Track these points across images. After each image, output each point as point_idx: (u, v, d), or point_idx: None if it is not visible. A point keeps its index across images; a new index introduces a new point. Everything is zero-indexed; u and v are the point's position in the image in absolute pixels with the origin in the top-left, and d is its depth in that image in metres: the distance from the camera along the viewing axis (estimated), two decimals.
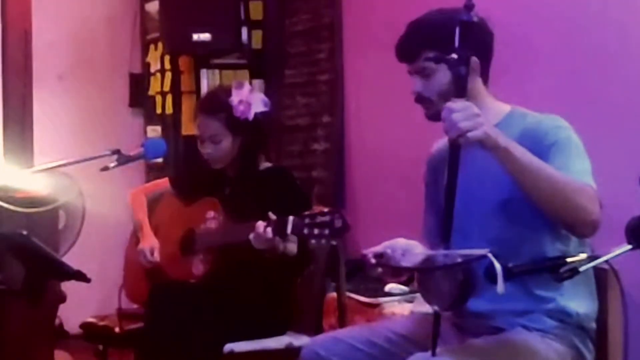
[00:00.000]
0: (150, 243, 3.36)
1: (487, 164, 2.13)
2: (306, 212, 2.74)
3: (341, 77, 4.77)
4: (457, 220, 2.16)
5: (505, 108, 2.38)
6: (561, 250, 2.23)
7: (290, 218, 2.75)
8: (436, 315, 1.98)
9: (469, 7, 1.88)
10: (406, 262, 2.25)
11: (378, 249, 2.31)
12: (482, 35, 2.31)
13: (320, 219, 2.67)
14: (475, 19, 1.90)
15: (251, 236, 2.85)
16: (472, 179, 2.26)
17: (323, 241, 2.69)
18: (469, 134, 1.98)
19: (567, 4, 3.45)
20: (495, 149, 2.04)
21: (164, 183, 3.61)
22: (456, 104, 1.99)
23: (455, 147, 1.97)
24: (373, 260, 2.29)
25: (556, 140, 2.21)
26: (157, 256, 3.33)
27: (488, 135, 2.01)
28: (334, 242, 3.05)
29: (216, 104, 3.29)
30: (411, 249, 2.29)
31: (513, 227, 2.24)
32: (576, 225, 2.13)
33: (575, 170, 2.15)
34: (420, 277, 2.08)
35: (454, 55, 2.01)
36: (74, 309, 4.14)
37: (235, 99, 3.25)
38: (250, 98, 3.25)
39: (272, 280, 3.22)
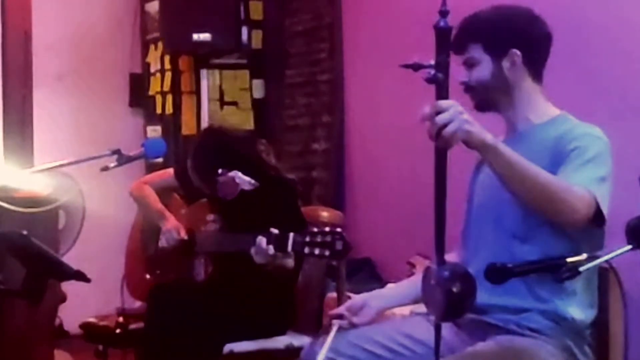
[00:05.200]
0: (174, 224, 3.36)
1: None
2: (307, 230, 2.73)
3: (341, 77, 4.78)
4: (475, 214, 2.35)
5: (554, 111, 2.40)
6: (574, 246, 2.21)
7: (291, 235, 2.74)
8: (436, 326, 1.97)
9: (444, 13, 1.87)
10: (359, 320, 2.45)
11: (339, 310, 2.50)
12: (529, 28, 2.37)
13: (321, 238, 2.67)
14: (450, 25, 1.89)
15: (252, 251, 2.85)
16: (490, 175, 2.27)
17: (322, 261, 2.69)
18: (457, 134, 1.97)
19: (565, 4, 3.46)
20: (482, 147, 2.05)
21: (166, 174, 3.61)
22: (441, 104, 1.96)
23: (442, 153, 1.95)
24: (334, 322, 2.45)
25: (578, 145, 2.23)
26: (183, 234, 3.32)
27: (471, 134, 2.00)
28: (333, 263, 3.06)
29: (206, 168, 3.29)
30: (367, 304, 2.47)
31: (526, 222, 2.25)
32: (561, 224, 2.17)
33: (581, 176, 2.16)
34: (422, 286, 2.07)
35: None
36: (74, 309, 4.14)
37: (222, 178, 3.24)
38: (237, 179, 3.26)
39: (271, 282, 3.22)
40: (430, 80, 1.88)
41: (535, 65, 2.39)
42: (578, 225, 2.15)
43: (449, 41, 1.91)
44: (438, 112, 1.93)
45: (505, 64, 2.34)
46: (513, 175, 2.08)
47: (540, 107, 2.39)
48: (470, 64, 2.37)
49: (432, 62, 1.88)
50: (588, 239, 2.22)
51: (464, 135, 1.98)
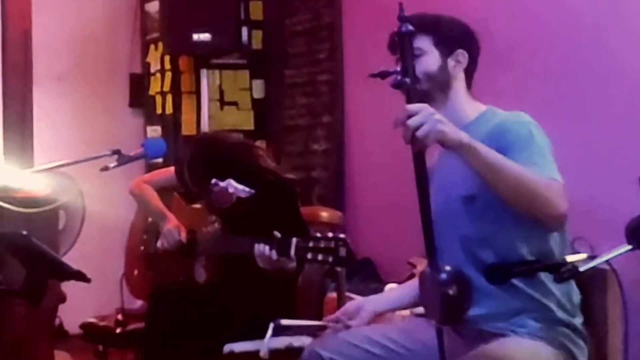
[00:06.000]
0: (174, 224, 3.35)
1: (456, 163, 2.15)
2: (310, 235, 2.73)
3: (341, 77, 4.77)
4: (435, 222, 2.21)
5: (481, 108, 2.41)
6: (539, 248, 2.23)
7: (294, 240, 2.74)
8: (438, 330, 1.97)
9: (403, 19, 1.88)
10: (355, 323, 2.49)
11: (334, 316, 2.56)
12: (473, 35, 2.41)
13: (324, 244, 2.66)
14: (411, 29, 1.91)
15: (256, 257, 2.84)
16: (444, 180, 2.29)
17: (325, 267, 2.68)
18: (431, 135, 1.97)
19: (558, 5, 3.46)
20: (459, 147, 2.05)
21: (166, 173, 3.60)
22: (412, 107, 1.97)
23: (420, 156, 1.96)
24: (331, 325, 2.53)
25: (518, 136, 2.23)
26: (184, 235, 3.31)
27: (445, 134, 2.00)
28: (338, 269, 3.06)
29: (202, 179, 3.27)
30: (363, 308, 2.52)
31: (478, 224, 2.26)
32: (543, 219, 2.15)
33: (539, 165, 2.16)
34: (420, 291, 2.08)
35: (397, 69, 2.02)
36: (74, 309, 4.15)
37: (215, 189, 3.22)
38: (231, 189, 3.23)
39: (271, 282, 3.21)
40: (396, 85, 1.91)
41: (471, 70, 2.41)
42: (561, 220, 2.15)
43: (412, 46, 1.92)
44: (410, 116, 1.94)
45: (451, 62, 2.36)
46: (492, 172, 2.08)
47: (468, 106, 2.39)
48: (416, 54, 2.35)
49: (398, 68, 1.91)
50: (554, 237, 2.24)
51: (438, 135, 1.99)
